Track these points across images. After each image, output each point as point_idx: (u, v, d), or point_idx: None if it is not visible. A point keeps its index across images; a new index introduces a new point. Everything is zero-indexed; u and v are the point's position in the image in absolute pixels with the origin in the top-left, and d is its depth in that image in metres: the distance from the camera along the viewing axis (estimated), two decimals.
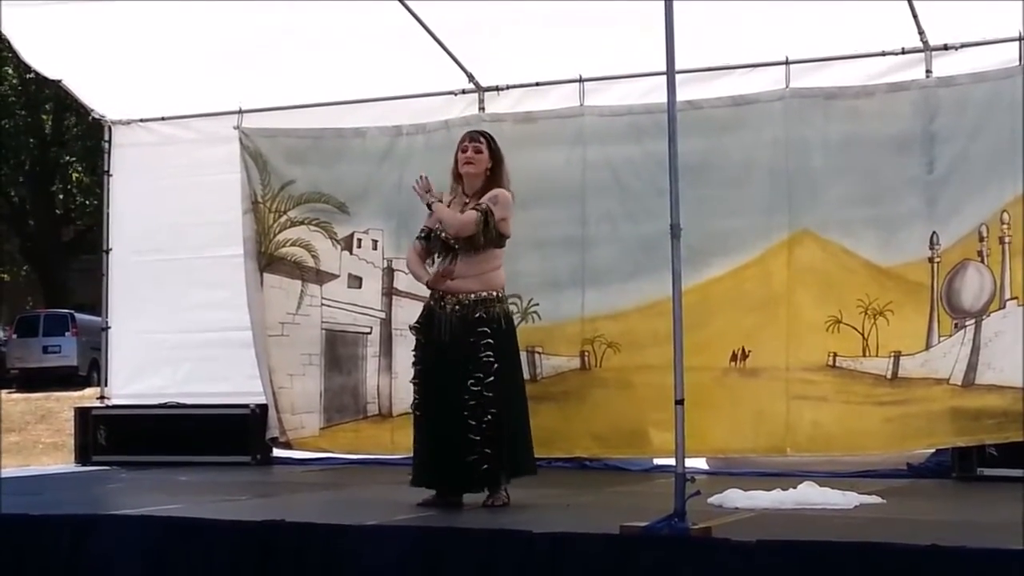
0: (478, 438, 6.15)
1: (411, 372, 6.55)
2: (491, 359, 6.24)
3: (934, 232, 7.74)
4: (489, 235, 6.32)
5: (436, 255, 6.52)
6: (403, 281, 8.82)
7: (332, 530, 5.26)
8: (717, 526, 5.04)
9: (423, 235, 6.56)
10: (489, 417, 6.18)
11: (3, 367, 26.96)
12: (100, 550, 5.44)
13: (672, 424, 5.08)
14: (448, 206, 6.45)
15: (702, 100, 8.22)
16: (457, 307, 6.32)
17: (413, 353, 6.53)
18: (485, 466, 6.16)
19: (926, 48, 8.02)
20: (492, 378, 6.22)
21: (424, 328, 6.41)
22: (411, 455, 6.53)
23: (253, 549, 5.24)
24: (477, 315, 6.29)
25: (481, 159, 6.46)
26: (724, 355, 8.04)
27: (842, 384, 7.85)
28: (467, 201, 6.45)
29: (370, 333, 9.05)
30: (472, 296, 6.33)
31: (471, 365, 6.22)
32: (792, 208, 8.03)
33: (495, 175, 6.48)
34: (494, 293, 6.39)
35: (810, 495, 6.30)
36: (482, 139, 6.51)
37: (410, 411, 6.60)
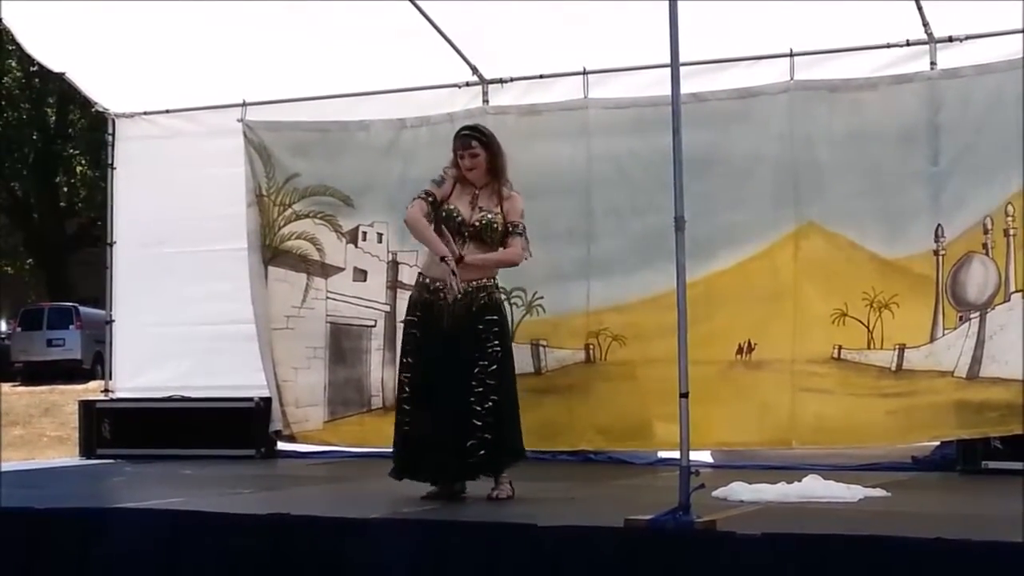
0: (480, 424, 6.18)
1: None
2: (497, 348, 6.30)
3: (939, 225, 7.73)
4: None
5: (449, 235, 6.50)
6: (407, 274, 8.80)
7: (338, 524, 5.27)
8: (722, 519, 5.05)
9: (429, 199, 6.49)
10: (490, 404, 6.23)
11: (7, 361, 26.98)
12: (111, 544, 5.45)
13: (677, 417, 5.08)
14: (450, 193, 6.48)
15: (707, 92, 8.21)
16: (459, 296, 6.33)
17: (403, 346, 6.53)
18: (482, 451, 6.19)
19: (931, 40, 8.01)
20: (495, 366, 6.28)
21: (422, 321, 6.41)
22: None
23: (259, 543, 5.24)
24: (481, 301, 6.35)
25: (479, 161, 6.50)
26: (730, 348, 8.03)
27: (847, 377, 7.84)
28: (477, 192, 6.50)
29: (374, 326, 9.05)
30: (473, 283, 6.37)
31: (477, 353, 6.26)
32: (797, 201, 8.02)
33: (495, 166, 6.53)
34: (492, 279, 6.45)
35: (815, 488, 6.30)
36: (474, 142, 6.53)
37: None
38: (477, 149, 6.50)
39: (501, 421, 6.26)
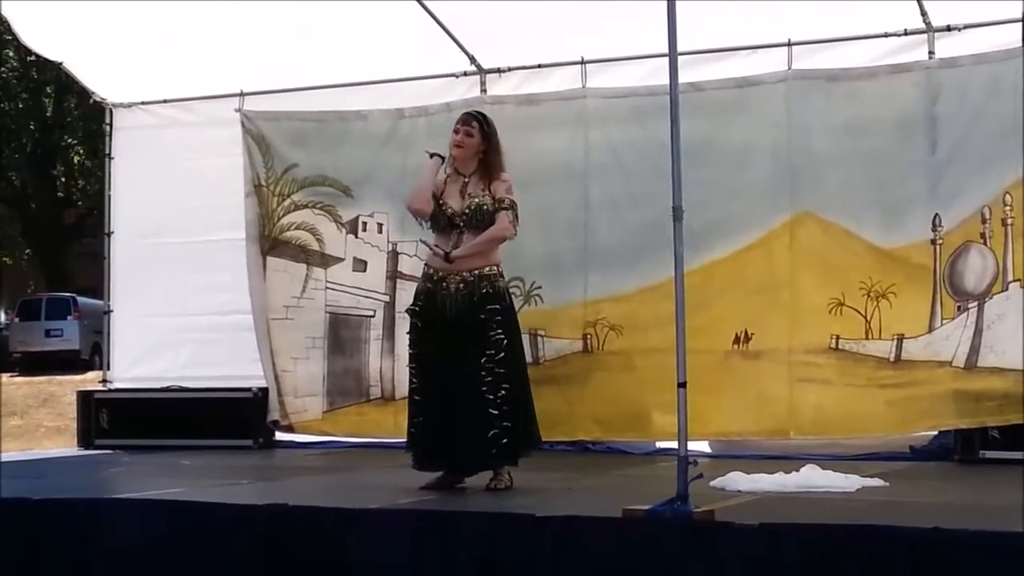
0: (497, 413, 6.18)
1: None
2: (501, 335, 6.29)
3: (936, 214, 7.72)
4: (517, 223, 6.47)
5: (440, 232, 6.49)
6: (407, 264, 8.83)
7: (337, 514, 5.27)
8: (720, 509, 5.04)
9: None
10: (503, 392, 6.23)
11: (5, 351, 26.97)
12: (109, 535, 5.46)
13: (675, 407, 5.08)
14: (444, 184, 6.49)
15: (704, 82, 8.21)
16: (462, 285, 6.35)
17: (409, 336, 6.53)
18: (504, 440, 6.20)
19: (929, 29, 8.00)
20: (503, 354, 6.27)
21: (424, 311, 6.41)
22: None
23: (258, 533, 5.24)
24: (484, 290, 6.33)
25: (471, 142, 6.49)
26: (727, 338, 8.04)
27: (845, 367, 7.85)
28: (466, 180, 6.49)
29: (373, 316, 9.05)
30: (476, 272, 6.36)
31: (482, 343, 6.25)
32: (794, 190, 8.02)
33: (490, 156, 6.52)
34: (495, 268, 6.44)
35: (813, 478, 6.30)
36: (474, 122, 6.54)
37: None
38: (473, 129, 6.50)
39: (516, 409, 6.27)
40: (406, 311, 6.67)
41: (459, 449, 6.25)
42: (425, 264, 6.58)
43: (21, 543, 5.58)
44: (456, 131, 6.54)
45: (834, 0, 7.72)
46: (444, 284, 6.38)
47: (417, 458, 6.39)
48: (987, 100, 7.64)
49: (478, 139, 6.50)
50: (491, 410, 6.19)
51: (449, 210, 6.43)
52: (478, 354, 6.24)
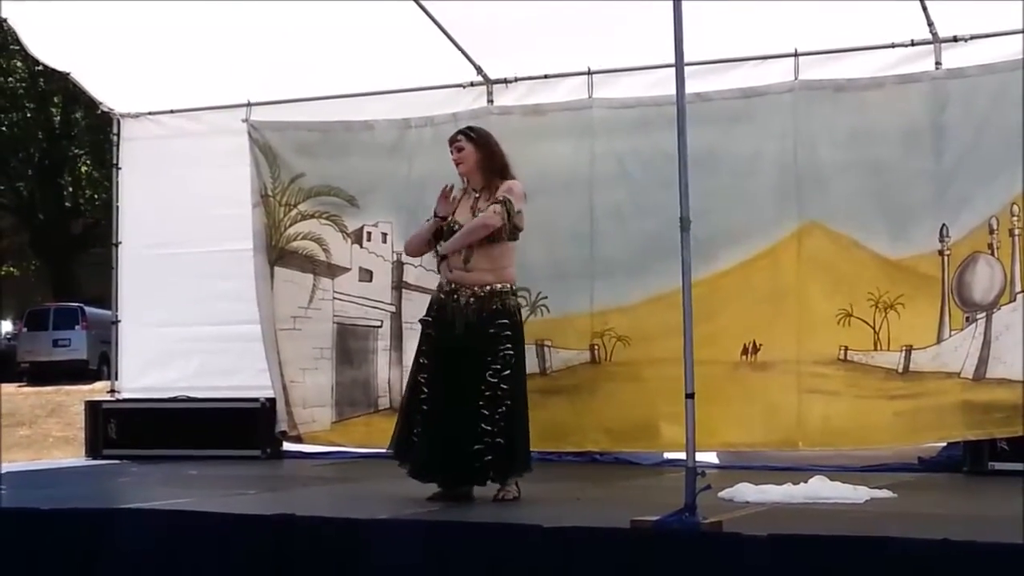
0: (490, 428, 6.16)
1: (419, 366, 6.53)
2: (510, 352, 6.28)
3: (944, 224, 7.71)
4: (511, 224, 6.39)
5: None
6: (412, 274, 8.84)
7: (343, 524, 5.27)
8: (728, 520, 5.03)
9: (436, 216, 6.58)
10: (503, 409, 6.21)
11: (13, 361, 27.02)
12: (116, 545, 5.45)
13: (683, 418, 5.08)
14: (460, 200, 6.48)
15: (711, 92, 8.20)
16: (472, 299, 6.35)
17: (419, 346, 6.53)
18: (489, 457, 6.18)
19: (935, 40, 8.01)
20: (509, 371, 6.26)
21: (437, 321, 6.41)
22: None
23: (265, 543, 5.24)
24: (494, 307, 6.33)
25: (465, 155, 6.52)
26: (735, 348, 8.03)
27: (853, 378, 7.83)
28: (477, 196, 6.51)
29: (381, 327, 9.05)
30: (488, 288, 6.36)
31: (489, 357, 6.24)
32: (801, 200, 8.01)
33: (491, 163, 6.53)
34: (508, 286, 6.44)
35: (821, 489, 6.30)
36: (460, 136, 6.58)
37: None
38: (463, 143, 6.53)
39: (514, 429, 6.24)
40: (419, 320, 6.67)
41: (448, 462, 6.23)
42: (441, 277, 6.59)
43: (28, 553, 5.58)
44: (451, 151, 6.58)
45: (841, 10, 7.72)
46: (455, 296, 6.39)
47: (415, 467, 6.37)
48: (994, 110, 7.63)
49: (471, 148, 6.52)
50: (484, 425, 6.17)
51: (456, 225, 6.45)
52: (483, 369, 6.23)
